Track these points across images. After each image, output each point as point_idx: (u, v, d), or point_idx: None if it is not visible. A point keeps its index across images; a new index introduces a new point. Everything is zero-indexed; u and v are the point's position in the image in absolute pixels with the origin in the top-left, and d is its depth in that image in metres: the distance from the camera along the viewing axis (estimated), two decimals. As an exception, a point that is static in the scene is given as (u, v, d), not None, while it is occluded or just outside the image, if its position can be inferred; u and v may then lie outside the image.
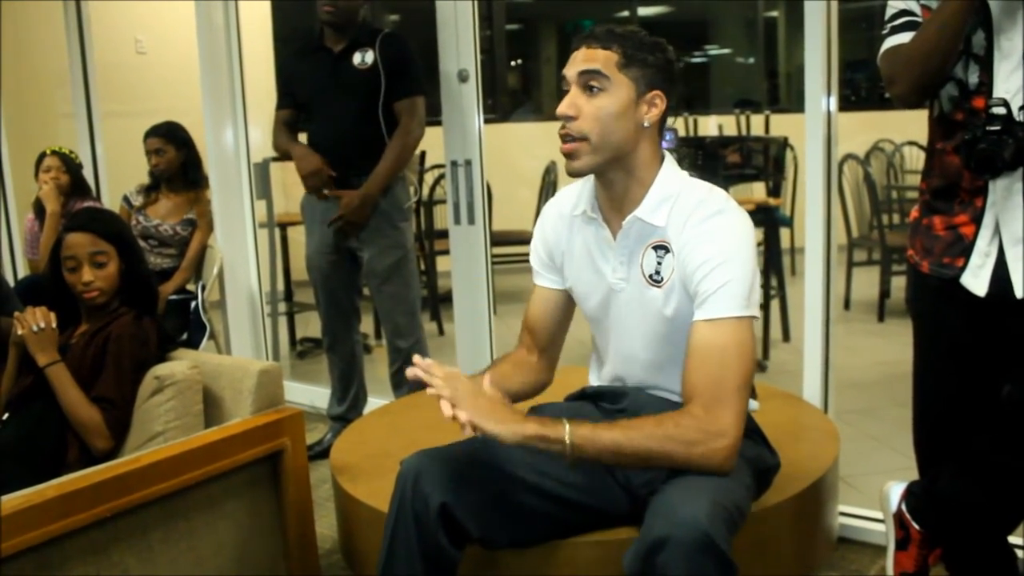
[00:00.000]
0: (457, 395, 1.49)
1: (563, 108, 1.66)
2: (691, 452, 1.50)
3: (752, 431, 1.77)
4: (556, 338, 1.91)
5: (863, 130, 6.54)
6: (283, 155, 3.34)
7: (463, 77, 3.13)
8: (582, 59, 1.66)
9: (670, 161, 1.74)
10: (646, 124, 1.67)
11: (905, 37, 1.74)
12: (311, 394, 3.90)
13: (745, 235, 1.64)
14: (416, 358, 1.56)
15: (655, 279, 1.69)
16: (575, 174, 1.71)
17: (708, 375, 1.55)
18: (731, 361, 1.55)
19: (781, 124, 6.19)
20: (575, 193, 1.82)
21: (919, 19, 1.74)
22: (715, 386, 1.54)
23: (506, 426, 1.49)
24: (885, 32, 1.79)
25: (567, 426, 1.50)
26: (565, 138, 1.66)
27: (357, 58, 3.08)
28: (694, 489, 1.45)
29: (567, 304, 1.89)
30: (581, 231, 1.80)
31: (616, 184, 1.71)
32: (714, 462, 1.51)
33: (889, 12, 1.79)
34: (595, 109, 1.64)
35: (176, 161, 3.86)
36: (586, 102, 1.65)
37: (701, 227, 1.63)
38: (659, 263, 1.68)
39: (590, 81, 1.64)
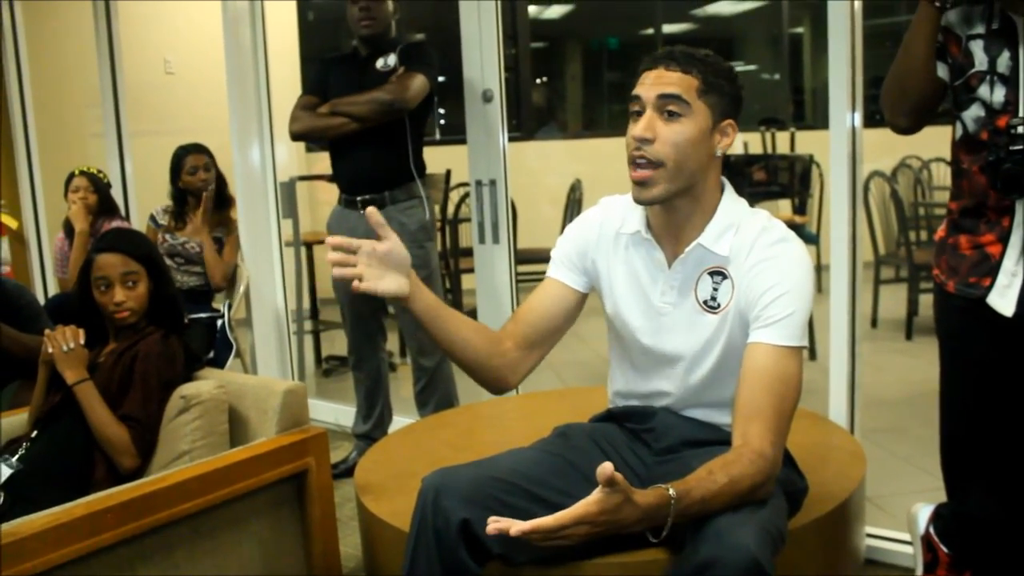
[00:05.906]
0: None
1: (640, 131, 1.59)
2: (756, 495, 1.49)
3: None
4: (544, 341, 1.80)
5: (890, 147, 6.50)
6: (303, 134, 3.22)
7: (487, 97, 3.15)
8: (661, 82, 1.60)
9: (730, 189, 1.72)
10: (718, 153, 1.65)
11: None
12: (336, 412, 3.92)
13: (809, 267, 1.64)
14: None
15: (710, 305, 1.68)
16: (647, 203, 1.66)
17: (771, 402, 1.54)
18: (789, 391, 1.56)
19: (807, 141, 6.17)
20: (621, 208, 1.78)
21: None
22: (777, 415, 1.54)
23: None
24: None
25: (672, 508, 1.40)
26: (638, 162, 1.61)
27: (380, 62, 3.10)
28: (740, 513, 1.44)
29: (571, 309, 1.81)
30: (628, 250, 1.76)
31: (680, 210, 1.67)
32: (767, 493, 1.52)
33: None
34: (673, 134, 1.59)
35: (214, 178, 3.91)
36: (664, 126, 1.59)
37: (768, 252, 1.63)
38: (715, 289, 1.67)
39: (669, 106, 1.59)
